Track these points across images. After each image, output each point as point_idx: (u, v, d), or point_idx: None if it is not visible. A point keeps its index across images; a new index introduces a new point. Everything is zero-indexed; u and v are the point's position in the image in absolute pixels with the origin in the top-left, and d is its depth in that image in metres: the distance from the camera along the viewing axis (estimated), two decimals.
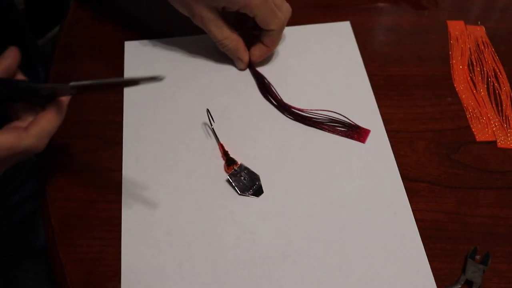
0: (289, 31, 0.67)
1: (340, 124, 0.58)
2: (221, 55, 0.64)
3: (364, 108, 0.60)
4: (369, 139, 0.57)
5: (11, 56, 0.48)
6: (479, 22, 0.70)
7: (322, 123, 0.58)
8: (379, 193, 0.53)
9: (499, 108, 0.62)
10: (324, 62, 0.65)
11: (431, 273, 0.49)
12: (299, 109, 0.59)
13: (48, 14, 0.76)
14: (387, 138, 0.58)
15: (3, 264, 0.63)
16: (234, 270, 0.48)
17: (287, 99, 0.60)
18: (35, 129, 0.46)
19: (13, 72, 0.48)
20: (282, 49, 0.66)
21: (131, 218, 0.51)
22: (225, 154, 0.55)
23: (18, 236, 0.66)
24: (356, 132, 0.57)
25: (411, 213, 0.52)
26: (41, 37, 0.94)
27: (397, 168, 0.55)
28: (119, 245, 0.50)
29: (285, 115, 0.59)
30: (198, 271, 0.48)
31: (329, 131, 0.57)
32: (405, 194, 0.53)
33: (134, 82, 0.44)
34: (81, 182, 0.53)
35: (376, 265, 0.49)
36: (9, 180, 0.65)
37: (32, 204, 0.67)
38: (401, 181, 0.54)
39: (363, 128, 0.57)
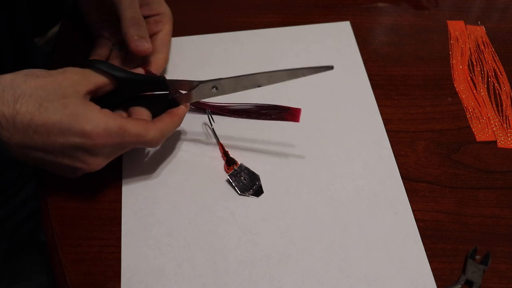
0: (289, 31, 0.67)
1: (271, 109, 0.57)
2: (220, 55, 0.63)
3: (364, 108, 0.60)
4: (369, 139, 0.57)
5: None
6: (479, 22, 0.70)
7: (255, 112, 0.58)
8: (379, 193, 0.53)
9: (499, 108, 0.62)
10: (324, 62, 0.64)
11: (431, 273, 0.49)
12: (224, 108, 0.58)
13: (47, 12, 0.76)
14: (387, 138, 0.58)
15: (10, 258, 0.64)
16: (235, 270, 0.48)
17: (286, 100, 0.60)
18: (161, 125, 0.49)
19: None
20: (282, 49, 0.66)
21: (131, 218, 0.51)
22: (225, 154, 0.55)
23: (25, 232, 0.66)
24: (287, 113, 0.56)
25: (411, 213, 0.52)
26: (41, 36, 0.94)
27: (397, 168, 0.55)
28: (119, 245, 0.50)
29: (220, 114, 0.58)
30: (198, 272, 0.48)
31: (264, 118, 0.57)
32: (405, 194, 0.53)
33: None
34: (81, 182, 0.53)
35: (376, 265, 0.49)
36: (15, 177, 0.66)
37: (38, 201, 0.68)
38: (401, 181, 0.54)
39: (293, 108, 0.56)
